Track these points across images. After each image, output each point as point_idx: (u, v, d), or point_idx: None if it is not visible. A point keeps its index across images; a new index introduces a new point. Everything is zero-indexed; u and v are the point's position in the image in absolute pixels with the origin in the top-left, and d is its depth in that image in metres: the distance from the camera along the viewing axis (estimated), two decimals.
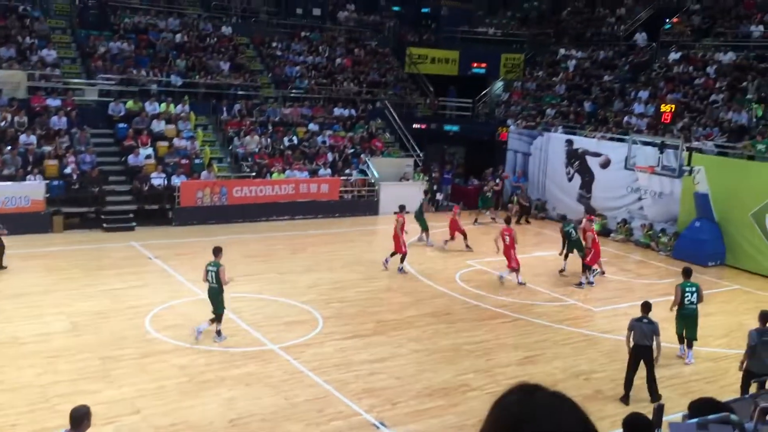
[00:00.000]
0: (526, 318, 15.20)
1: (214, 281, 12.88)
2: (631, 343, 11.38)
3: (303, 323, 14.01)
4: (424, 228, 21.43)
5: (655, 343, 11.21)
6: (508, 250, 17.62)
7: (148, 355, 12.08)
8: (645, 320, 11.39)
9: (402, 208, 19.04)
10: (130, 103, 24.30)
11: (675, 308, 13.19)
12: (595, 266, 18.26)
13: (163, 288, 15.81)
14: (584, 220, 19.13)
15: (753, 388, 10.07)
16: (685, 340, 13.30)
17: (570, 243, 18.86)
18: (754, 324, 11.01)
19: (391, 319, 14.68)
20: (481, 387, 11.59)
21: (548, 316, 15.39)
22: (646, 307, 11.63)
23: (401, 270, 18.12)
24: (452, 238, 20.96)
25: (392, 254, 18.38)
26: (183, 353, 12.25)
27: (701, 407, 5.99)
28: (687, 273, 13.63)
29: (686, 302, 13.07)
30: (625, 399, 11.32)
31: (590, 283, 17.85)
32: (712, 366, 13.04)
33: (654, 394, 11.26)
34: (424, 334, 13.88)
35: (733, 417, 5.78)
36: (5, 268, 16.67)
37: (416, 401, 10.99)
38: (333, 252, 19.77)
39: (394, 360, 12.53)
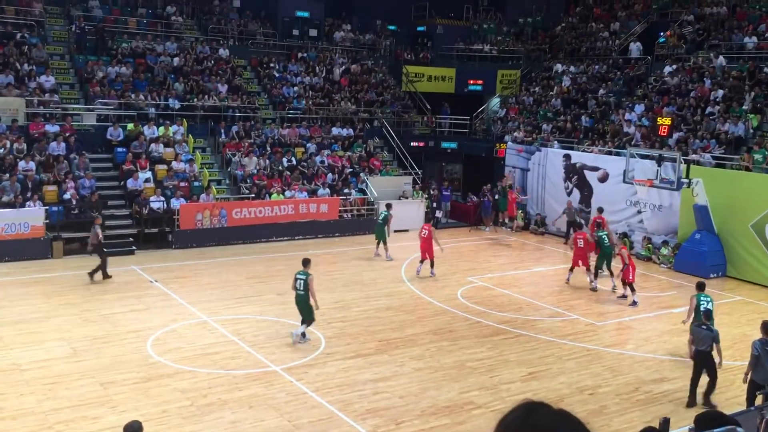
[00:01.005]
0: (529, 334, 15.14)
1: (302, 288, 13.65)
2: (693, 349, 11.82)
3: (305, 343, 13.95)
4: (382, 241, 21.56)
5: (715, 349, 11.62)
6: (583, 254, 18.25)
7: (150, 380, 12.02)
8: (704, 327, 11.76)
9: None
10: (130, 126, 24.38)
11: (689, 320, 13.12)
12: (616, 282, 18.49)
13: (164, 311, 15.76)
14: (591, 220, 19.42)
15: (759, 400, 10.03)
16: None
17: (603, 253, 18.81)
18: (758, 335, 10.99)
19: (394, 337, 14.63)
20: (485, 404, 11.53)
21: (551, 332, 15.34)
22: (707, 314, 12.18)
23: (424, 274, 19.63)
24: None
25: (421, 261, 19.70)
26: (185, 377, 12.19)
27: (707, 420, 5.95)
28: (701, 286, 13.78)
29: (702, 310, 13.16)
30: (691, 402, 11.65)
31: (634, 302, 17.52)
32: (718, 378, 12.94)
33: (708, 402, 11.62)
34: (427, 352, 13.82)
35: (740, 430, 5.74)
36: (110, 277, 17.99)
37: (420, 420, 10.93)
38: (334, 271, 19.75)
39: (397, 379, 12.47)
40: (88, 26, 27.46)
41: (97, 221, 18.68)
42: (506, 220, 26.55)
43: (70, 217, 21.01)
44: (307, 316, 13.86)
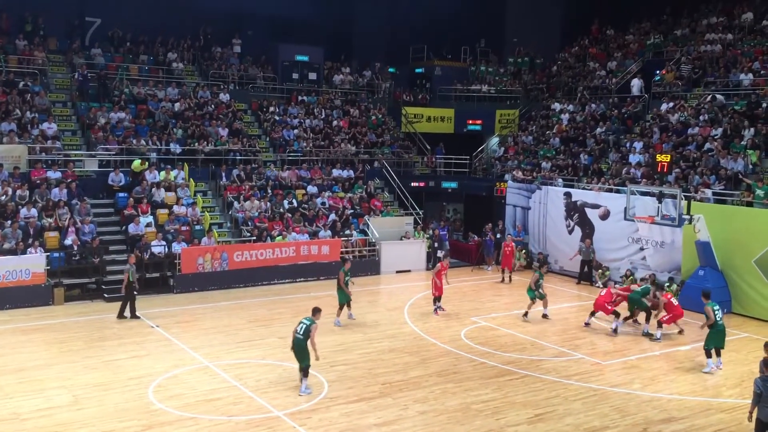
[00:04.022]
0: (534, 374, 14.98)
1: (302, 333, 13.31)
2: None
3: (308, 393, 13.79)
4: (344, 301, 18.77)
5: None
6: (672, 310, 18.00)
7: (152, 427, 11.85)
8: None
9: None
10: (136, 162, 24.47)
11: (708, 322, 15.09)
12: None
13: (165, 357, 15.63)
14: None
15: None
16: (715, 351, 15.27)
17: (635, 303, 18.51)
18: None
19: (397, 380, 14.47)
20: None
21: (557, 372, 15.18)
22: None
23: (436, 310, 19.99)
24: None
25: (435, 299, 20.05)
26: (187, 424, 12.02)
27: None
28: (707, 295, 15.72)
29: (717, 319, 15.08)
30: None
31: (657, 338, 17.73)
32: (726, 417, 12.79)
33: None
34: (432, 395, 13.66)
35: None
36: (138, 318, 18.53)
37: None
38: (335, 314, 19.59)
39: (401, 423, 12.30)
40: (91, 74, 27.80)
41: (131, 260, 19.12)
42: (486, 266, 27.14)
43: (71, 263, 20.98)
44: (303, 361, 13.40)
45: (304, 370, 13.44)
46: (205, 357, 15.64)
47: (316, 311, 13.82)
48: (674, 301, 18.08)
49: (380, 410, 12.82)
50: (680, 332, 18.05)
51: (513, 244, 25.41)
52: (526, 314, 19.58)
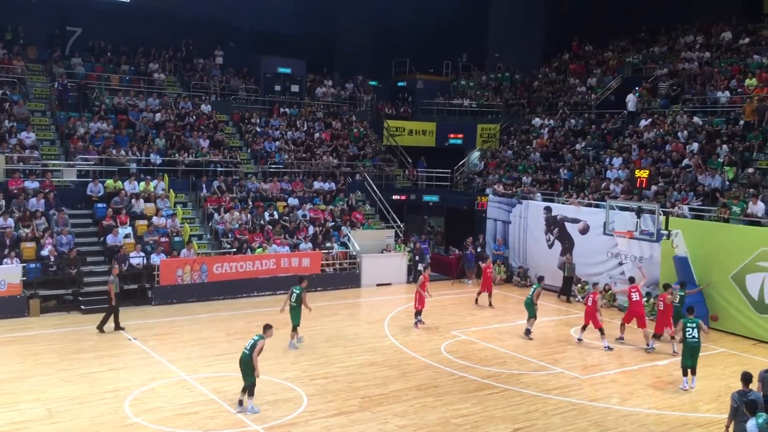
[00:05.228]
0: (514, 388, 14.99)
1: (248, 348, 13.04)
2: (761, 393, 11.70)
3: (287, 401, 13.70)
4: (295, 323, 17.62)
5: None
6: (665, 316, 18.18)
7: None
8: None
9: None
10: (109, 182, 24.31)
11: (678, 338, 15.74)
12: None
13: (142, 370, 15.45)
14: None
15: None
16: (690, 370, 15.21)
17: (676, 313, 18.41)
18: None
19: (377, 394, 14.41)
20: None
21: (536, 386, 15.20)
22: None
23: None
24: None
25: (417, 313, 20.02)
26: None
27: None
28: (690, 310, 15.91)
29: (688, 336, 15.05)
30: None
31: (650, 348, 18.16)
32: None
33: None
34: (411, 409, 13.61)
35: None
36: (123, 329, 18.46)
37: None
38: (315, 327, 19.53)
39: None
40: (71, 83, 27.60)
41: (114, 271, 18.97)
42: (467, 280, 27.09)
43: (48, 274, 20.72)
44: (248, 378, 12.99)
45: (249, 388, 13.01)
46: (183, 370, 15.49)
47: (267, 328, 13.48)
48: (634, 296, 18.52)
49: (360, 424, 12.75)
50: (674, 353, 17.61)
51: (492, 266, 24.21)
52: (528, 332, 19.27)
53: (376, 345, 18.15)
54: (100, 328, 18.39)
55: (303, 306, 17.58)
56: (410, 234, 29.33)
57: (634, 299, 18.67)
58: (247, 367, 13.00)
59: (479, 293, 23.32)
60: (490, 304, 22.85)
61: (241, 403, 13.10)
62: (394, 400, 14.03)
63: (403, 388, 14.76)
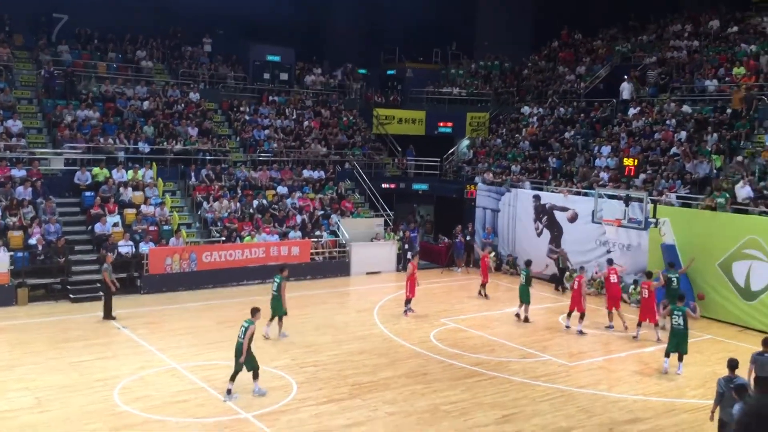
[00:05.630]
0: (502, 375, 15.09)
1: (242, 336, 13.12)
2: (753, 375, 11.89)
3: (277, 389, 13.73)
4: (280, 314, 17.20)
5: None
6: (647, 304, 18.11)
7: (117, 429, 11.70)
8: (767, 354, 11.98)
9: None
10: (96, 170, 24.16)
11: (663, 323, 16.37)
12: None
13: (132, 358, 15.44)
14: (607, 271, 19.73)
15: None
16: (677, 356, 15.34)
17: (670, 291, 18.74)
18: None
19: (367, 381, 14.47)
20: None
21: (524, 373, 15.30)
22: (766, 342, 12.35)
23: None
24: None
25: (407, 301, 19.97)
26: (153, 426, 11.89)
27: None
28: (680, 298, 16.15)
29: (674, 323, 15.23)
30: None
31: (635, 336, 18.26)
32: (689, 418, 13.02)
33: None
34: (401, 396, 13.68)
35: None
36: (114, 318, 18.38)
37: None
38: (305, 315, 19.56)
39: (370, 424, 12.30)
40: (57, 71, 27.37)
41: (108, 259, 19.03)
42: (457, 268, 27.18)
43: (36, 263, 20.63)
44: (249, 363, 13.12)
45: (254, 371, 13.23)
46: (173, 358, 15.49)
47: (255, 312, 13.64)
48: (612, 278, 18.99)
49: (349, 411, 12.81)
50: (658, 340, 17.79)
51: (488, 258, 23.84)
52: (527, 319, 19.54)
53: (366, 333, 18.21)
54: (108, 316, 18.48)
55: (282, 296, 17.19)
56: (399, 222, 29.36)
57: (612, 281, 19.13)
58: (240, 353, 13.09)
59: (483, 285, 22.79)
60: (485, 295, 22.68)
61: (229, 392, 13.11)
62: (384, 388, 14.09)
63: (392, 376, 14.83)
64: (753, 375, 11.94)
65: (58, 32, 30.21)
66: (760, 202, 19.97)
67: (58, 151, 24.61)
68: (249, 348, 13.08)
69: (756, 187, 20.54)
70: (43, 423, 11.88)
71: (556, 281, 24.59)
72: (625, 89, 28.66)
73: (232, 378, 13.17)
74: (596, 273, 22.91)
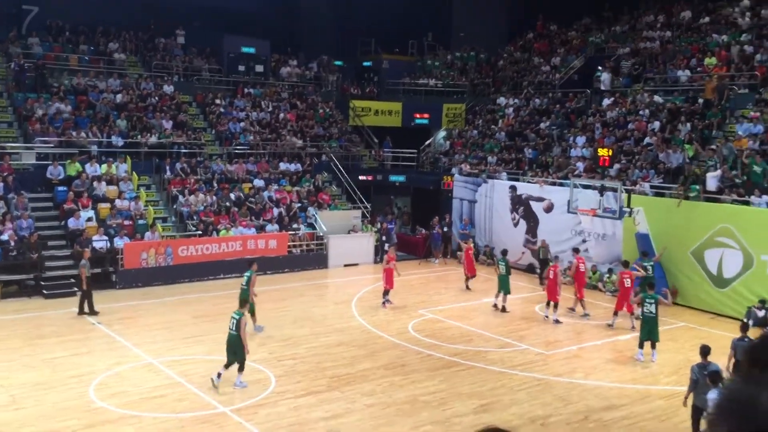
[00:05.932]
0: (480, 365, 15.18)
1: (234, 329, 13.15)
2: (732, 361, 12.24)
3: (255, 383, 13.69)
4: (252, 309, 16.82)
5: None
6: (628, 293, 18.13)
7: (93, 426, 11.59)
8: (746, 339, 12.33)
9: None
10: (68, 164, 23.82)
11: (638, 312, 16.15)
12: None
13: (107, 354, 15.30)
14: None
15: (703, 425, 10.21)
16: (650, 344, 15.47)
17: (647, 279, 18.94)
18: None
19: (345, 373, 14.49)
20: None
21: (502, 362, 15.41)
22: (744, 328, 13.00)
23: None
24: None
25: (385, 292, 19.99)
26: (130, 422, 11.80)
27: None
28: (651, 286, 16.31)
29: (645, 311, 15.44)
30: None
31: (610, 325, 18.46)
32: (664, 404, 13.19)
33: None
34: (379, 388, 13.71)
35: None
36: (97, 313, 18.16)
37: None
38: (283, 308, 19.53)
39: (349, 416, 12.32)
40: (28, 63, 26.94)
41: (86, 255, 18.85)
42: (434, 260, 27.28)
43: (8, 258, 20.35)
44: (238, 355, 13.15)
45: (240, 364, 13.26)
46: (149, 354, 15.38)
47: (243, 303, 13.86)
48: (582, 267, 19.57)
49: (328, 404, 12.81)
50: (633, 328, 17.89)
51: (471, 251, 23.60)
52: (504, 309, 19.67)
53: (344, 325, 18.21)
54: (91, 311, 18.33)
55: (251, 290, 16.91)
56: (377, 214, 29.37)
57: (581, 270, 19.68)
58: (237, 345, 13.15)
59: (470, 278, 22.69)
60: (467, 287, 22.61)
61: (219, 375, 13.15)
62: (362, 380, 14.11)
63: (371, 368, 14.85)
64: (733, 361, 12.14)
65: (29, 24, 29.73)
66: (731, 191, 20.23)
67: (30, 145, 24.23)
68: (243, 340, 13.16)
69: (728, 176, 20.79)
70: (17, 420, 11.74)
71: (540, 273, 24.69)
72: (605, 80, 28.81)
73: (227, 366, 13.24)
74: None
